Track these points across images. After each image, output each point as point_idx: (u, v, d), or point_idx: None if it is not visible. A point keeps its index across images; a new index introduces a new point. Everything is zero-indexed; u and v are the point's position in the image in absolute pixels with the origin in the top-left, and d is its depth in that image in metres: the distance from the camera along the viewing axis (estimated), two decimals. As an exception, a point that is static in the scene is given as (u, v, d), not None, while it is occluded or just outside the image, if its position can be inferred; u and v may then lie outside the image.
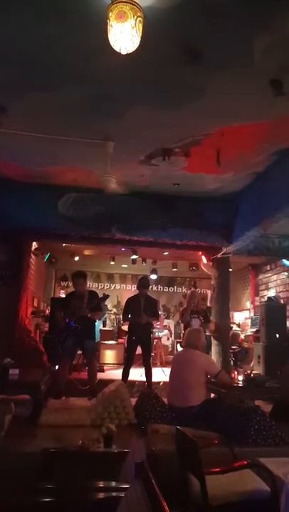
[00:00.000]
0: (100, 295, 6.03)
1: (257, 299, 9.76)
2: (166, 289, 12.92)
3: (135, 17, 2.38)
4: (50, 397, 4.90)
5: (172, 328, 11.29)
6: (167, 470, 2.29)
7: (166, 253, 9.09)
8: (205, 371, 4.04)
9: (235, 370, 4.63)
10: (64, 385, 5.43)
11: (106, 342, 9.29)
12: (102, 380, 5.75)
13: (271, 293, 8.80)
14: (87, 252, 10.11)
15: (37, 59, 3.01)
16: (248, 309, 10.38)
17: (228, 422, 3.60)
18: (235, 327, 9.41)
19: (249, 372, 5.22)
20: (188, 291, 8.14)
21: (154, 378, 6.33)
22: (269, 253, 6.87)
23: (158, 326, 9.44)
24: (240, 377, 4.53)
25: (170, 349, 10.57)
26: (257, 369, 6.98)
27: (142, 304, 6.20)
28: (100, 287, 12.11)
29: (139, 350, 6.22)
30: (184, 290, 12.56)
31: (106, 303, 8.13)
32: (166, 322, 11.21)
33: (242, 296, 10.88)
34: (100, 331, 9.27)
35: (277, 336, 6.99)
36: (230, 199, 5.70)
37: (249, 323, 9.90)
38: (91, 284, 11.40)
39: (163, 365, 8.70)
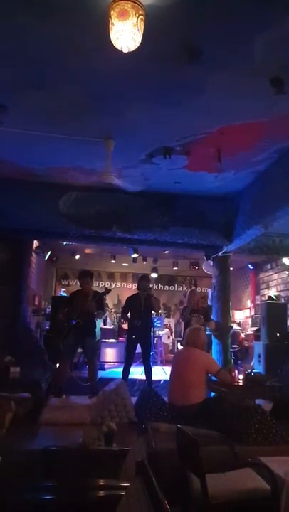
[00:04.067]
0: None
1: (258, 297, 9.77)
2: (166, 287, 12.93)
3: (137, 15, 2.36)
4: (50, 396, 4.92)
5: (173, 327, 11.31)
6: (168, 468, 2.30)
7: (166, 251, 9.09)
8: (205, 369, 4.04)
9: (235, 369, 4.62)
10: (65, 383, 5.44)
11: (107, 340, 9.30)
12: (103, 379, 5.76)
13: (272, 292, 8.81)
14: (88, 251, 10.11)
15: (37, 57, 3.00)
16: (249, 308, 10.39)
17: (228, 420, 3.60)
18: (235, 326, 9.42)
19: (249, 371, 5.22)
20: (189, 290, 8.14)
21: (155, 377, 6.33)
22: (270, 252, 6.88)
23: (159, 325, 9.45)
24: (241, 376, 4.52)
25: (170, 348, 10.59)
26: (257, 368, 6.99)
27: (142, 302, 6.19)
28: (100, 286, 12.12)
29: (139, 349, 6.22)
30: (185, 289, 12.58)
31: (106, 301, 8.13)
32: (166, 321, 11.22)
33: (243, 294, 10.89)
34: (101, 329, 9.29)
35: (278, 334, 7.00)
36: (231, 197, 5.68)
37: (250, 322, 9.92)
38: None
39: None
